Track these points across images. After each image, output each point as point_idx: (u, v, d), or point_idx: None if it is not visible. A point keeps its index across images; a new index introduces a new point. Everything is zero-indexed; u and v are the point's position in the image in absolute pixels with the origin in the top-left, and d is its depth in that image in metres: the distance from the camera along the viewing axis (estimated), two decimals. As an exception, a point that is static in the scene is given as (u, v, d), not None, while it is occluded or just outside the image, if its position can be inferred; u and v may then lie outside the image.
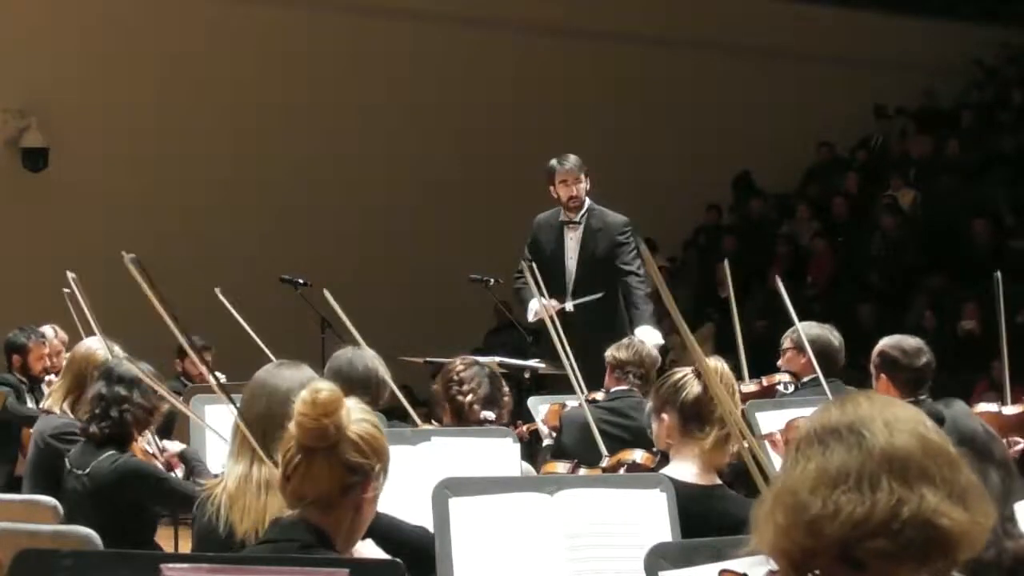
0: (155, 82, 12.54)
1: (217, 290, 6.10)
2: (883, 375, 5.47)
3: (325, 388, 2.61)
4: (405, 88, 13.63)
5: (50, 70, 12.16)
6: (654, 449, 4.18)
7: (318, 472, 2.59)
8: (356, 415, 2.65)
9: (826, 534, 1.87)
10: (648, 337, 6.86)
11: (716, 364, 3.75)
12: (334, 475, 2.60)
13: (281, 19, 13.18)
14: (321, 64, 13.33)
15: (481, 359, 5.44)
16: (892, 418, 1.94)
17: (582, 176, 7.44)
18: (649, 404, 3.93)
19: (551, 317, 5.90)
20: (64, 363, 5.84)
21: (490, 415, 4.71)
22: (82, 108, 12.30)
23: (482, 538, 3.14)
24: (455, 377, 4.81)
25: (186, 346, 3.93)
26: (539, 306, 7.26)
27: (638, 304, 7.28)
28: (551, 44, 14.42)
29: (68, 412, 5.42)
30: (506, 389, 4.90)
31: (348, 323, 5.26)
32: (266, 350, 6.44)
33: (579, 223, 7.49)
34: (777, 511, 1.92)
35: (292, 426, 2.62)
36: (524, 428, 6.04)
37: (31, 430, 5.97)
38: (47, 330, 7.63)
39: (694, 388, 3.71)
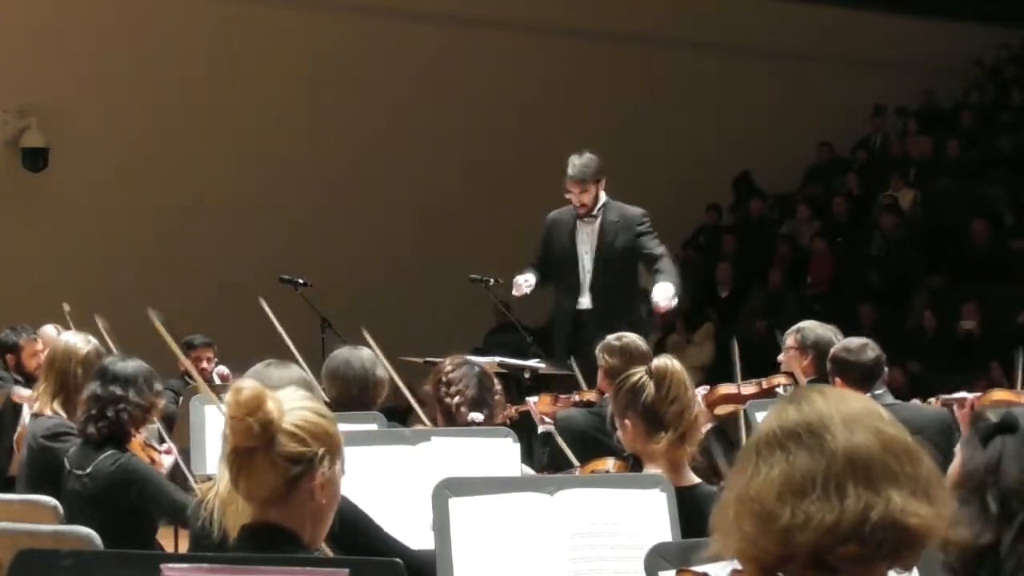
0: (155, 82, 12.53)
1: (262, 300, 6.02)
2: (836, 378, 5.57)
3: (246, 386, 2.55)
4: (405, 88, 13.63)
5: (50, 70, 12.15)
6: (624, 454, 4.16)
7: (259, 470, 2.55)
8: (291, 404, 2.60)
9: (797, 543, 1.87)
10: (661, 292, 7.03)
11: (667, 363, 3.75)
12: (276, 470, 2.55)
13: (282, 20, 13.18)
14: (321, 65, 13.33)
15: (478, 359, 5.42)
16: (849, 414, 1.94)
17: (590, 186, 7.35)
18: (610, 409, 3.91)
19: None
20: (44, 365, 5.71)
21: (478, 417, 4.63)
22: (82, 108, 12.30)
23: (482, 538, 3.13)
24: (444, 379, 4.73)
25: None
26: (520, 279, 7.33)
27: (662, 267, 7.30)
28: (551, 44, 14.42)
29: (60, 412, 5.36)
30: (497, 388, 4.83)
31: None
32: (298, 355, 6.32)
33: (595, 216, 7.45)
34: (743, 519, 1.92)
35: (225, 430, 2.58)
36: (513, 410, 6.02)
37: (23, 430, 5.94)
38: (49, 329, 7.61)
39: (650, 390, 3.70)
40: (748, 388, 6.03)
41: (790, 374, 6.06)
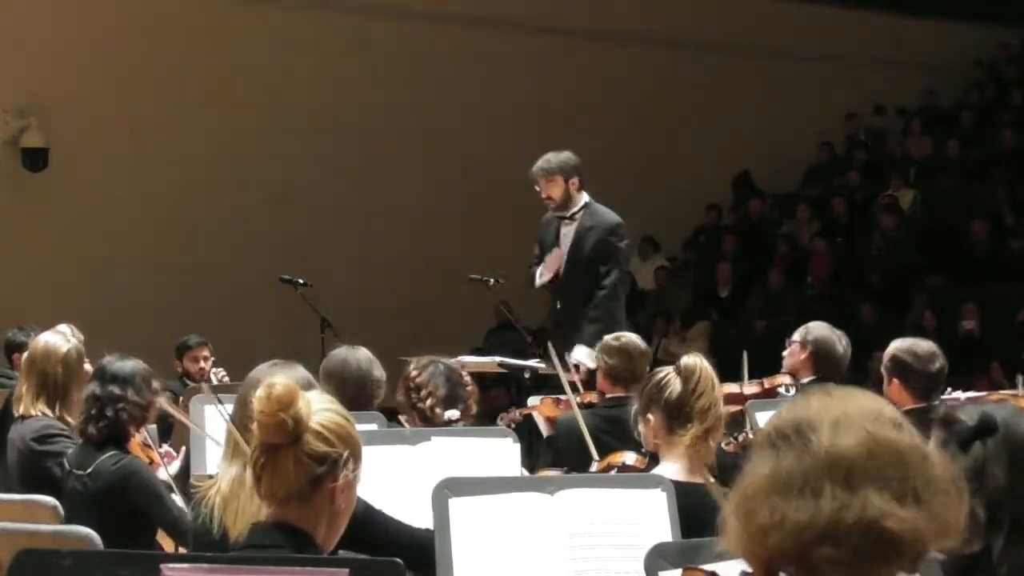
0: (155, 82, 12.53)
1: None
2: (895, 380, 5.32)
3: (279, 382, 2.58)
4: (405, 88, 13.63)
5: (50, 70, 12.15)
6: (643, 450, 4.19)
7: (284, 467, 2.57)
8: (318, 405, 2.63)
9: (771, 543, 1.85)
10: (580, 356, 6.92)
11: (696, 361, 3.79)
12: (300, 468, 2.57)
13: (281, 19, 13.18)
14: (321, 64, 13.33)
15: (474, 358, 5.42)
16: (842, 416, 1.90)
17: (555, 178, 7.33)
18: (635, 406, 3.94)
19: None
20: (24, 366, 5.65)
21: (454, 414, 4.63)
22: (82, 108, 12.30)
23: (482, 538, 3.13)
24: (411, 384, 4.72)
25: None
26: (541, 268, 7.36)
27: (586, 319, 7.24)
28: (551, 44, 14.42)
29: (46, 412, 5.31)
30: (467, 379, 4.79)
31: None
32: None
33: (574, 220, 7.46)
34: (733, 516, 1.91)
35: (254, 427, 2.60)
36: (517, 413, 6.01)
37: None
38: (63, 328, 7.56)
39: (676, 386, 3.74)
40: (751, 388, 6.03)
41: (792, 374, 6.06)
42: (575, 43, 14.55)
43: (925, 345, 5.42)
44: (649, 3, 14.92)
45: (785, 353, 6.13)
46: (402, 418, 4.97)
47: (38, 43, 12.14)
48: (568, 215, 7.43)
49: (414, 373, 4.74)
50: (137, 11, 12.55)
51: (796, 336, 6.06)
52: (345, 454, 2.62)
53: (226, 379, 8.04)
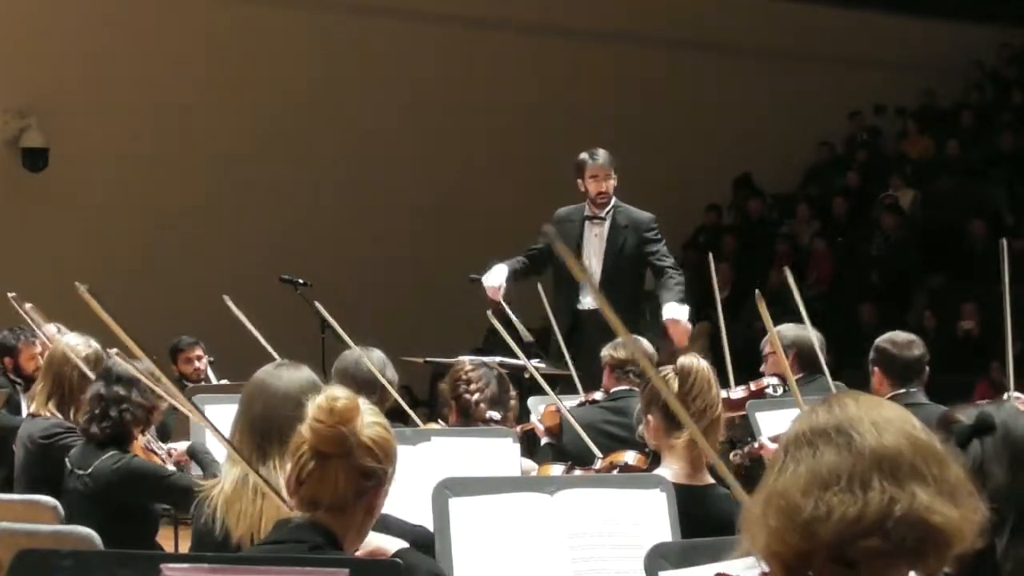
0: (155, 82, 12.53)
1: (226, 298, 6.04)
2: (876, 368, 5.59)
3: (342, 396, 2.60)
4: (405, 88, 13.63)
5: (50, 70, 12.15)
6: (646, 449, 4.19)
7: (333, 477, 2.59)
8: (368, 419, 2.64)
9: (820, 536, 1.88)
10: (675, 312, 7.00)
11: (692, 361, 3.77)
12: (349, 480, 2.59)
13: (281, 19, 13.18)
14: (321, 64, 13.33)
15: (479, 359, 5.46)
16: (880, 418, 1.95)
17: (612, 172, 7.41)
18: (638, 406, 3.95)
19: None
20: (43, 366, 5.71)
21: (496, 415, 4.76)
22: (82, 108, 12.30)
23: (482, 538, 3.14)
24: (463, 376, 4.86)
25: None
26: (489, 278, 7.36)
27: (669, 285, 7.27)
28: (551, 44, 14.42)
29: (56, 413, 5.35)
30: (513, 392, 4.96)
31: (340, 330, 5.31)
32: (274, 354, 6.39)
33: (604, 219, 7.45)
34: (769, 514, 1.93)
35: (305, 430, 2.61)
36: (519, 429, 6.01)
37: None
38: (51, 329, 7.57)
39: (674, 387, 3.72)
40: (737, 393, 6.04)
41: (778, 374, 6.08)
42: (575, 43, 14.54)
43: (905, 334, 5.73)
44: (649, 3, 14.91)
45: (764, 367, 6.19)
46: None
47: (38, 43, 12.14)
48: (603, 214, 7.45)
49: (468, 367, 4.91)
50: (137, 11, 12.55)
51: (768, 347, 6.14)
52: (390, 470, 2.66)
53: (225, 380, 8.04)
